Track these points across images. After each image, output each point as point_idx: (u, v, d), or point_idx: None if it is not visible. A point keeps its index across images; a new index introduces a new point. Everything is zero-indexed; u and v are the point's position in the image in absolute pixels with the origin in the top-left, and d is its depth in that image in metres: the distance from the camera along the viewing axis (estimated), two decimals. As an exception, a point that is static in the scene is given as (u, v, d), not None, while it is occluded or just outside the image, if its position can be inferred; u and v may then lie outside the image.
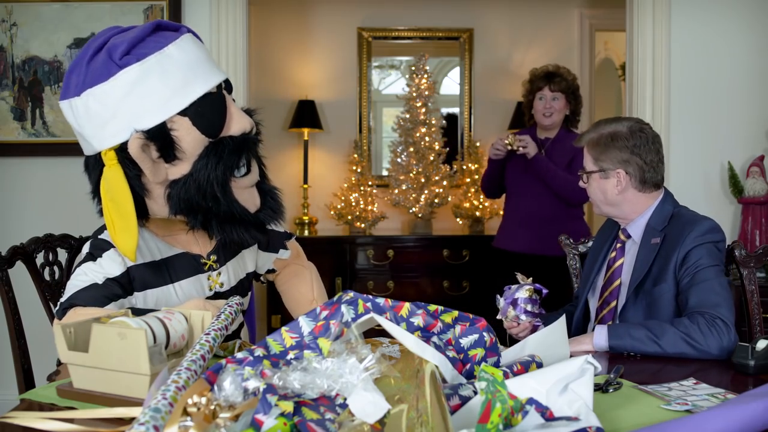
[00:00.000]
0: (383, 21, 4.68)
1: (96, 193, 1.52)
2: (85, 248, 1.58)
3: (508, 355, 1.32)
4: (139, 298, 1.56)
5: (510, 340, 1.80)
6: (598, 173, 1.86)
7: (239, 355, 1.09)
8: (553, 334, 1.32)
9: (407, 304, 1.18)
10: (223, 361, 1.06)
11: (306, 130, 4.43)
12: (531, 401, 1.01)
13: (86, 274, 1.52)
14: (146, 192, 1.49)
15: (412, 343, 1.06)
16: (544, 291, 1.81)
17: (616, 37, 5.60)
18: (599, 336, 1.61)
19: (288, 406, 0.90)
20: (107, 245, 1.54)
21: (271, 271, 1.91)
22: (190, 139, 1.46)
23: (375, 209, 4.39)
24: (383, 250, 4.22)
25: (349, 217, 4.36)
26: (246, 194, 1.56)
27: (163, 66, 1.43)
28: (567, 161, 3.04)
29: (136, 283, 1.55)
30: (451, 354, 1.17)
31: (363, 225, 4.35)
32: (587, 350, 1.61)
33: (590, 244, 2.23)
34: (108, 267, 1.52)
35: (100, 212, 1.53)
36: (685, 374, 1.40)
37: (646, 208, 1.85)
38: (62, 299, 1.51)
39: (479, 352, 1.19)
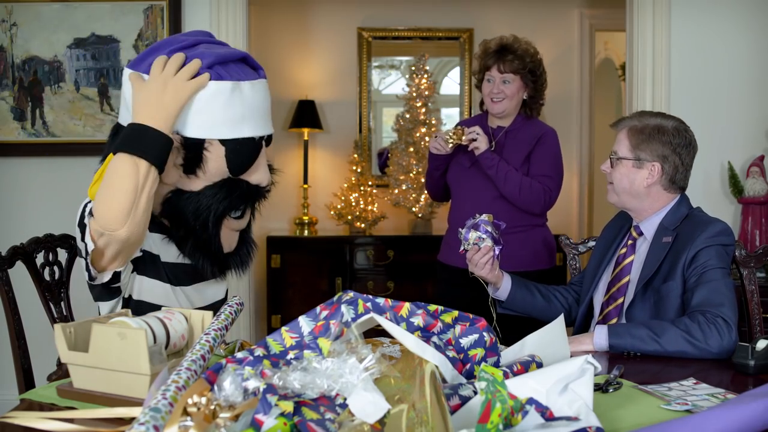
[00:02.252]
0: (383, 21, 4.68)
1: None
2: (77, 219, 1.55)
3: (508, 355, 1.32)
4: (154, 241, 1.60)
5: (507, 341, 1.80)
6: (632, 161, 1.83)
7: (239, 355, 1.09)
8: (552, 332, 1.32)
9: (407, 304, 1.18)
10: (223, 361, 1.06)
11: (306, 130, 4.43)
12: (531, 401, 1.01)
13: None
14: None
15: (412, 343, 1.06)
16: (502, 225, 1.91)
17: (616, 37, 5.60)
18: (599, 336, 1.61)
19: (288, 406, 0.90)
20: None
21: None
22: (216, 166, 1.53)
23: (375, 209, 4.39)
24: (383, 250, 4.22)
25: (349, 217, 4.36)
26: (227, 234, 1.63)
27: (232, 95, 1.50)
28: (524, 156, 2.55)
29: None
30: (451, 354, 1.17)
31: (363, 225, 4.35)
32: (587, 350, 1.61)
33: (591, 243, 2.23)
34: None
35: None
36: (685, 374, 1.40)
37: (662, 207, 1.85)
38: (80, 228, 1.49)
39: (479, 352, 1.19)
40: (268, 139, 1.64)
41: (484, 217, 1.90)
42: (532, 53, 2.57)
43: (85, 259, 1.51)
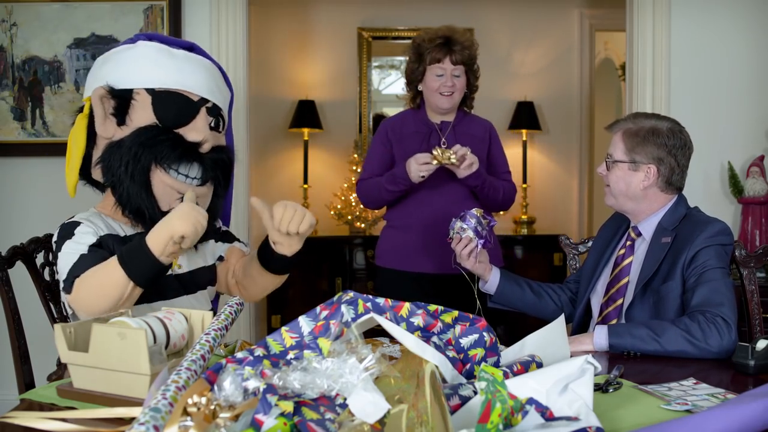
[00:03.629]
0: (383, 21, 4.68)
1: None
2: (55, 237, 1.63)
3: (508, 355, 1.32)
4: None
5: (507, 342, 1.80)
6: (627, 164, 1.82)
7: (239, 355, 1.09)
8: (552, 333, 1.32)
9: (407, 304, 1.18)
10: (223, 361, 1.06)
11: (306, 130, 4.43)
12: (531, 401, 1.01)
13: (71, 251, 1.57)
14: (94, 145, 1.68)
15: (412, 343, 1.06)
16: (493, 222, 1.98)
17: (616, 37, 5.60)
18: (599, 336, 1.61)
19: (288, 406, 0.90)
20: (75, 224, 1.62)
21: (220, 259, 1.87)
22: (142, 113, 1.62)
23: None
24: (383, 250, 4.22)
25: (349, 217, 4.35)
26: (169, 193, 1.63)
27: (159, 54, 1.66)
28: (485, 154, 2.44)
29: (106, 251, 1.61)
30: (451, 354, 1.17)
31: (363, 225, 4.35)
32: (587, 350, 1.61)
33: (590, 243, 2.22)
34: (85, 238, 1.59)
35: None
36: (685, 374, 1.40)
37: (660, 208, 1.85)
38: (62, 280, 1.56)
39: (479, 352, 1.19)
40: (213, 110, 1.69)
41: (474, 210, 1.97)
42: (474, 45, 2.47)
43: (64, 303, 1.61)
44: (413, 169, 2.26)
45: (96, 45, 3.19)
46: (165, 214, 1.58)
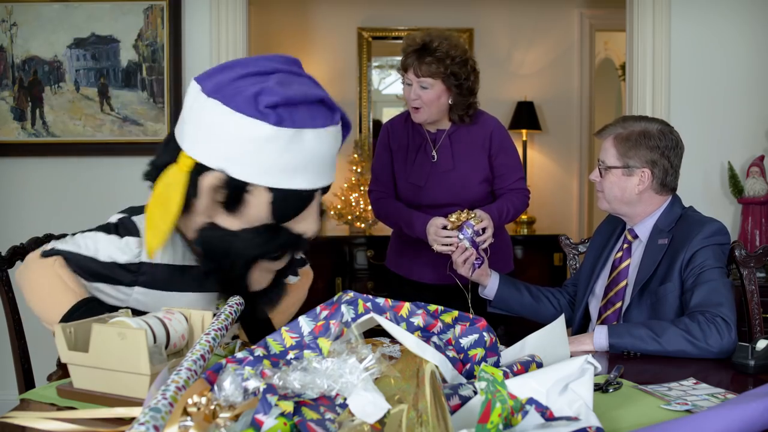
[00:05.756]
0: (383, 21, 4.68)
1: (155, 173, 1.48)
2: (114, 218, 1.54)
3: (508, 355, 1.32)
4: (139, 293, 1.52)
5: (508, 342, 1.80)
6: (621, 169, 1.81)
7: (239, 355, 1.09)
8: (552, 333, 1.32)
9: (407, 304, 1.18)
10: (223, 361, 1.06)
11: (306, 130, 4.42)
12: (531, 401, 1.01)
13: (98, 243, 1.49)
14: (190, 211, 1.46)
15: (412, 343, 1.06)
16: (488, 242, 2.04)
17: (616, 37, 5.60)
18: (599, 336, 1.61)
19: (288, 406, 0.90)
20: (136, 231, 1.50)
21: None
22: (256, 212, 1.42)
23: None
24: (383, 251, 4.21)
25: (349, 217, 4.35)
26: (260, 274, 1.52)
27: (289, 143, 1.38)
28: (485, 164, 2.29)
29: (145, 278, 1.51)
30: (451, 354, 1.17)
31: (363, 225, 4.35)
32: (587, 350, 1.61)
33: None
34: (124, 249, 1.49)
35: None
36: (685, 374, 1.40)
37: (655, 210, 1.84)
38: (63, 244, 1.51)
39: (479, 352, 1.19)
40: (326, 188, 1.52)
41: (472, 221, 2.00)
42: (454, 54, 2.18)
43: None
44: (430, 238, 2.11)
45: (96, 45, 3.19)
46: (255, 294, 1.53)
